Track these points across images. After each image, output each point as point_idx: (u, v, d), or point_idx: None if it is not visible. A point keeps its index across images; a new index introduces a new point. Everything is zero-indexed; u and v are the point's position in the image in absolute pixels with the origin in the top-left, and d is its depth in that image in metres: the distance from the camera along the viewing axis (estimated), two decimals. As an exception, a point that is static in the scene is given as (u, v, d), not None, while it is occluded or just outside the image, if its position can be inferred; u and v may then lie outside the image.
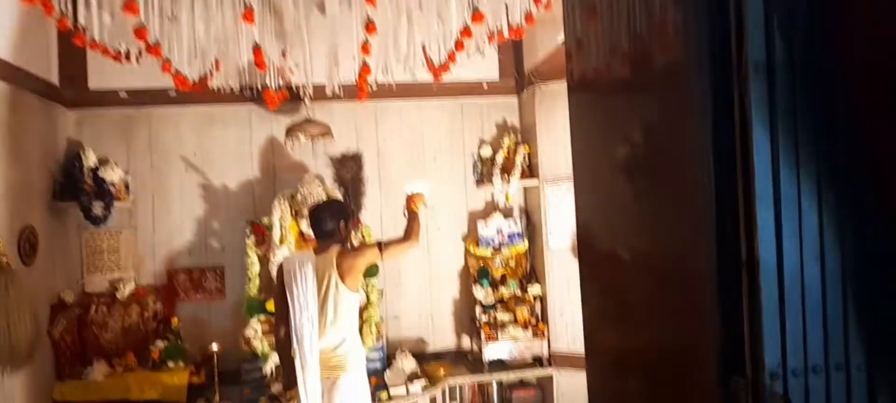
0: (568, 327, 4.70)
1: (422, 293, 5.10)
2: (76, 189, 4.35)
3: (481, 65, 4.55)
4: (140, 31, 2.95)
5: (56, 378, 4.21)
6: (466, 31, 3.14)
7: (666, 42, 1.19)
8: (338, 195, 4.66)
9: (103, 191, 4.41)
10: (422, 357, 4.82)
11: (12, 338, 3.54)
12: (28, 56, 4.01)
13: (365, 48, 3.23)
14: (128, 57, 3.44)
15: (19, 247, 3.84)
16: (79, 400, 4.15)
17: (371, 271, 4.43)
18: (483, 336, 4.64)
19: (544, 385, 4.88)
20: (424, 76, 4.10)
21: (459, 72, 4.37)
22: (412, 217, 3.45)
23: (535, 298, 4.79)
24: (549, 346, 4.70)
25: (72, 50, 4.10)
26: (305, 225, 4.39)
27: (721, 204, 1.06)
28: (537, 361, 4.74)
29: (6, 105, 3.75)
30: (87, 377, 4.19)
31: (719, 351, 1.05)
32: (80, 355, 4.41)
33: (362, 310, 4.36)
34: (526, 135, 5.07)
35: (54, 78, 4.43)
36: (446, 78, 4.10)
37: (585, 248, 1.73)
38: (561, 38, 3.98)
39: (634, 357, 1.44)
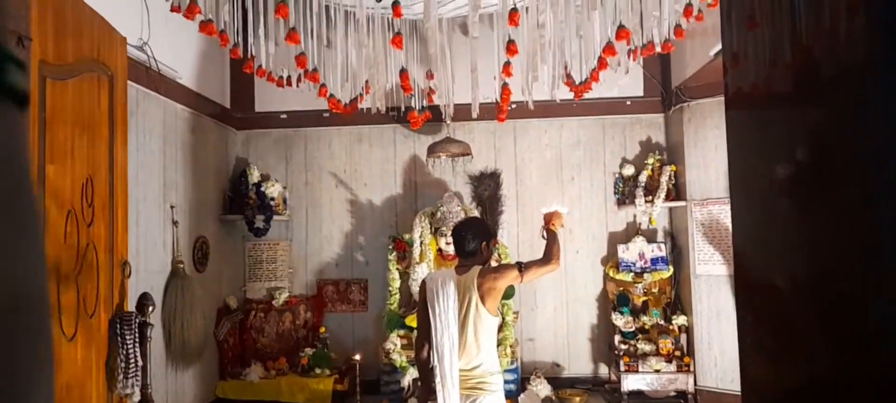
0: (717, 361, 4.36)
1: (558, 316, 4.99)
2: (242, 203, 4.79)
3: (625, 81, 4.39)
4: (301, 59, 3.19)
5: (220, 377, 4.63)
6: (610, 49, 3.05)
7: (839, 50, 1.07)
8: (475, 213, 4.71)
9: (265, 205, 4.81)
10: (556, 382, 4.70)
11: (185, 337, 3.95)
12: (207, 83, 4.51)
13: (506, 70, 3.25)
14: (289, 82, 3.74)
15: (194, 255, 4.29)
16: (238, 398, 4.53)
17: (508, 292, 4.41)
18: (622, 365, 4.44)
19: (690, 423, 4.55)
20: (565, 94, 4.04)
21: (601, 90, 4.26)
22: (552, 237, 3.34)
23: (680, 329, 4.50)
24: (695, 381, 4.38)
25: (242, 76, 4.54)
26: (444, 243, 4.47)
27: None
28: (681, 396, 4.43)
29: (188, 128, 4.23)
30: (245, 377, 4.57)
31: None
32: (240, 356, 4.82)
33: (497, 331, 4.34)
34: (672, 154, 4.81)
35: (227, 102, 4.93)
36: (587, 95, 4.01)
37: (743, 275, 1.59)
38: (713, 51, 3.75)
39: (799, 397, 1.30)
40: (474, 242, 3.31)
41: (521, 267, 3.21)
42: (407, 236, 4.69)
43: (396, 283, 4.68)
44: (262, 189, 4.86)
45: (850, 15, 1.04)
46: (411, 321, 4.41)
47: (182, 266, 4.00)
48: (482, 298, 3.16)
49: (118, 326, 1.69)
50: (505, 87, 3.33)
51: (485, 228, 3.46)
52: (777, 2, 1.30)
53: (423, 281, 3.37)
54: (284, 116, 5.09)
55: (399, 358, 4.34)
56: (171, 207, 3.96)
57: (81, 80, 1.63)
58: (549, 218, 3.41)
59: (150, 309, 1.76)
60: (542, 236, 3.45)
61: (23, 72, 0.36)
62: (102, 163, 1.71)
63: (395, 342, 4.40)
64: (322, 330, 4.88)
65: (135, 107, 3.52)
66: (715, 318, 4.38)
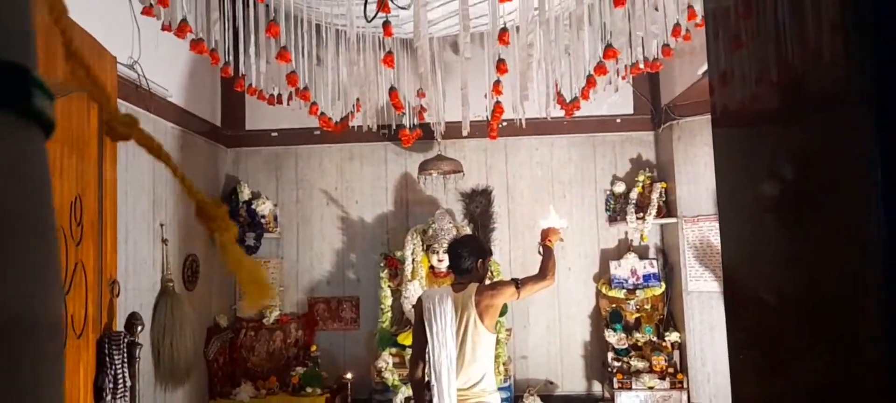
0: (710, 378, 4.36)
1: (551, 334, 4.98)
2: (233, 220, 4.76)
3: (615, 99, 4.43)
4: (292, 77, 3.20)
5: (209, 397, 4.58)
6: (600, 69, 3.08)
7: (822, 70, 1.09)
8: (467, 230, 4.71)
9: (255, 223, 4.80)
10: (550, 400, 4.69)
11: (175, 356, 3.91)
12: (197, 101, 4.51)
13: (496, 89, 3.27)
14: (280, 100, 3.74)
15: (184, 274, 4.26)
16: (228, 418, 4.48)
17: (501, 309, 4.39)
18: (615, 382, 4.43)
19: (683, 440, 4.54)
20: (555, 112, 4.07)
21: (592, 108, 4.29)
22: (548, 254, 3.34)
23: (672, 345, 4.50)
24: (689, 398, 4.37)
25: (232, 95, 4.54)
26: (436, 260, 4.47)
27: (892, 239, 0.94)
28: (675, 413, 4.42)
29: (179, 146, 4.22)
30: (235, 397, 4.52)
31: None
32: (230, 375, 4.77)
33: (490, 348, 4.32)
34: (662, 171, 4.84)
35: (217, 120, 4.93)
36: (578, 113, 4.03)
37: (732, 292, 1.60)
38: (700, 70, 3.80)
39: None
40: (470, 259, 3.30)
41: (518, 284, 3.20)
42: (399, 253, 4.68)
43: (388, 301, 4.66)
44: (253, 207, 4.85)
45: (833, 34, 1.06)
46: (404, 339, 4.38)
47: (172, 284, 3.97)
48: (480, 315, 3.14)
49: (106, 346, 1.67)
50: (496, 105, 3.35)
51: (480, 246, 3.45)
52: (762, 22, 1.33)
53: (419, 299, 3.34)
54: (275, 134, 5.09)
55: (391, 377, 4.31)
56: (161, 225, 3.94)
57: (70, 99, 1.63)
58: (545, 235, 3.40)
59: (139, 328, 1.75)
60: (539, 252, 3.44)
61: (50, 101, 0.36)
62: (91, 182, 1.70)
63: (387, 360, 4.37)
64: (313, 348, 4.85)
65: (125, 125, 3.51)
66: (708, 334, 4.39)
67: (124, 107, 3.50)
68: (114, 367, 1.66)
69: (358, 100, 4.06)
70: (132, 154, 3.63)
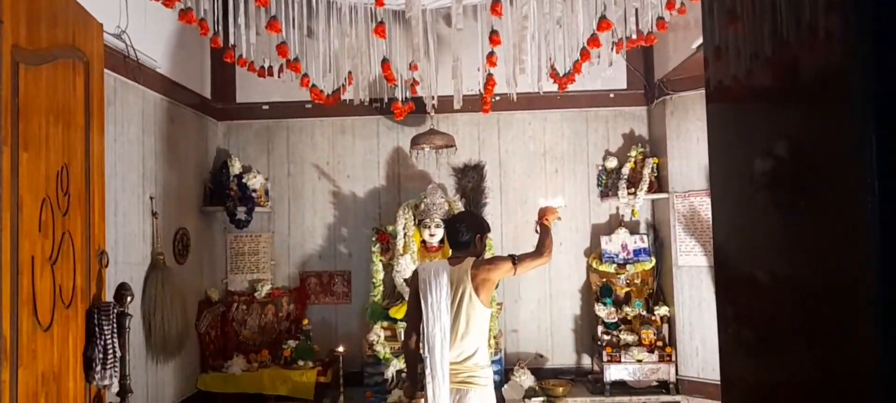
0: (698, 351, 4.41)
1: (542, 308, 5.02)
2: (223, 194, 4.74)
3: (608, 73, 4.41)
4: (282, 48, 3.15)
5: (201, 370, 4.59)
6: (594, 41, 3.05)
7: (818, 47, 1.08)
8: (459, 205, 4.70)
9: (246, 197, 4.77)
10: (540, 373, 4.73)
11: (166, 329, 3.91)
12: (186, 73, 4.45)
13: (491, 60, 3.24)
14: (271, 72, 3.70)
15: (174, 247, 4.24)
16: (220, 391, 4.50)
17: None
18: (604, 356, 4.47)
19: (671, 412, 4.61)
20: (548, 86, 4.05)
21: (585, 82, 4.27)
22: (545, 232, 3.35)
23: (662, 319, 4.55)
24: (676, 371, 4.43)
25: (222, 66, 4.49)
26: (427, 235, 4.47)
27: (887, 222, 0.94)
28: (663, 386, 4.48)
29: (168, 118, 4.17)
30: (227, 370, 4.54)
31: (882, 388, 0.92)
32: (221, 349, 4.78)
33: (481, 321, 4.34)
34: (655, 146, 4.84)
35: (207, 92, 4.87)
36: (571, 87, 4.02)
37: (723, 269, 1.61)
38: (695, 44, 3.78)
39: (778, 391, 1.31)
40: (468, 234, 3.30)
41: (515, 260, 3.21)
42: (390, 228, 4.68)
43: (380, 275, 4.66)
44: (244, 180, 4.82)
45: (828, 11, 1.05)
46: (395, 313, 4.40)
47: (162, 258, 3.95)
48: (476, 289, 3.15)
49: (96, 316, 1.66)
50: (489, 78, 3.32)
51: (479, 222, 3.45)
52: (758, -6, 1.31)
53: (415, 271, 3.34)
54: (266, 107, 5.04)
55: (383, 350, 4.34)
56: (151, 198, 3.91)
57: (56, 67, 1.59)
58: (543, 213, 3.41)
59: (129, 299, 1.73)
60: (536, 230, 3.45)
61: None
62: (78, 152, 1.67)
63: (378, 334, 4.39)
64: (305, 322, 4.86)
65: (112, 96, 3.47)
66: (696, 309, 4.43)
67: (112, 77, 3.45)
68: (103, 338, 1.65)
69: (350, 73, 4.02)
70: (120, 126, 3.59)
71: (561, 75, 3.61)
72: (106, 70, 2.79)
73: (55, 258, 1.52)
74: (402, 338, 4.06)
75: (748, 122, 1.46)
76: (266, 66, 3.69)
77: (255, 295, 4.91)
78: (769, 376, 1.36)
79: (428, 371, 3.11)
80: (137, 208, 3.77)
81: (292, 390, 4.44)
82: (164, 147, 4.11)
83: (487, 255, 3.68)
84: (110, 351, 1.64)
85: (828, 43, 1.05)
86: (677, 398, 4.43)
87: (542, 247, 3.27)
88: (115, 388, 1.72)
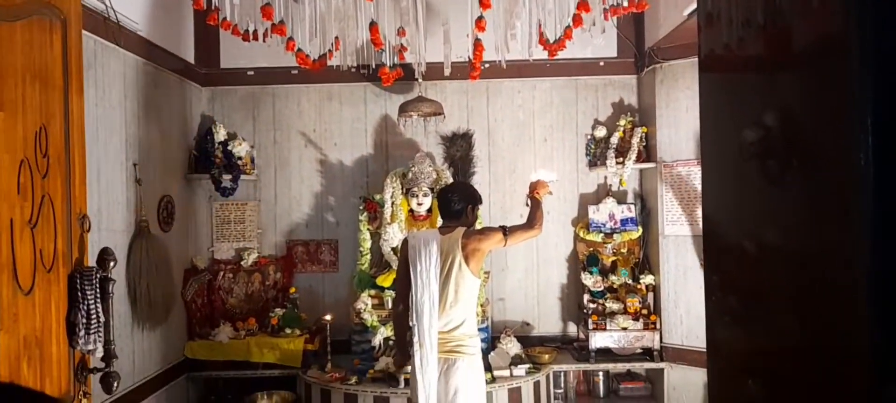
0: (683, 319, 4.46)
1: (529, 277, 5.04)
2: (208, 162, 4.67)
3: (599, 41, 4.37)
4: (267, 10, 3.08)
5: (188, 337, 4.58)
6: (584, 5, 3.01)
7: (813, 14, 1.06)
8: (447, 174, 4.68)
9: (232, 165, 4.71)
10: (526, 341, 4.77)
11: (151, 297, 3.88)
12: (168, 36, 4.35)
13: (479, 25, 3.19)
14: (256, 36, 3.62)
15: (159, 215, 4.19)
16: (207, 359, 4.50)
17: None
18: (590, 324, 4.51)
19: (654, 379, 4.68)
20: (538, 54, 4.00)
21: (575, 50, 4.23)
22: (536, 205, 3.36)
23: (647, 288, 4.59)
24: (661, 339, 4.49)
25: (206, 30, 4.39)
26: (415, 204, 4.45)
27: (881, 191, 0.93)
28: (647, 353, 4.54)
29: (151, 83, 4.09)
30: (214, 337, 4.53)
31: (872, 356, 0.93)
32: (208, 317, 4.77)
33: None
34: (644, 115, 4.83)
35: (191, 57, 4.77)
36: (561, 55, 3.97)
37: (711, 238, 1.60)
38: (687, 11, 3.74)
39: (761, 358, 1.32)
40: (460, 204, 3.30)
41: (506, 231, 3.21)
42: (378, 197, 4.65)
43: (367, 244, 4.65)
44: (229, 147, 4.75)
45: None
46: (383, 281, 4.40)
47: (146, 225, 3.91)
48: (466, 259, 3.15)
49: (78, 281, 1.63)
50: (477, 43, 3.28)
51: (471, 192, 3.44)
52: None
53: (406, 240, 3.33)
54: (251, 73, 4.96)
55: (370, 318, 4.34)
56: (134, 165, 3.85)
57: (31, 24, 1.54)
58: (534, 187, 3.41)
59: (112, 264, 1.70)
60: (526, 203, 3.46)
61: None
62: (57, 113, 1.62)
63: (366, 302, 4.39)
64: (292, 290, 4.85)
65: (93, 59, 3.38)
66: (682, 277, 4.47)
67: (92, 40, 3.36)
68: (86, 302, 1.62)
69: (336, 37, 3.94)
70: (101, 91, 3.51)
71: (551, 42, 3.56)
72: (85, 32, 2.71)
73: (35, 221, 1.48)
74: (390, 307, 4.08)
75: (739, 92, 1.44)
76: (251, 29, 3.60)
77: (242, 263, 4.89)
78: (753, 343, 1.37)
79: (416, 340, 3.11)
80: (120, 175, 3.71)
81: (280, 357, 4.45)
82: (146, 113, 4.03)
83: (477, 226, 3.69)
84: (94, 316, 1.61)
85: (823, 9, 1.03)
86: (661, 364, 4.50)
87: (534, 220, 3.28)
88: (100, 353, 1.70)
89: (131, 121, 3.84)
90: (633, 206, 4.81)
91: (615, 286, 4.69)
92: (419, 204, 4.45)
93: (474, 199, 3.38)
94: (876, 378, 0.91)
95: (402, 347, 3.37)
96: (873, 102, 0.93)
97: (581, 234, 4.86)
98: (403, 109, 4.60)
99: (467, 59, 3.86)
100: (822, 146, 1.07)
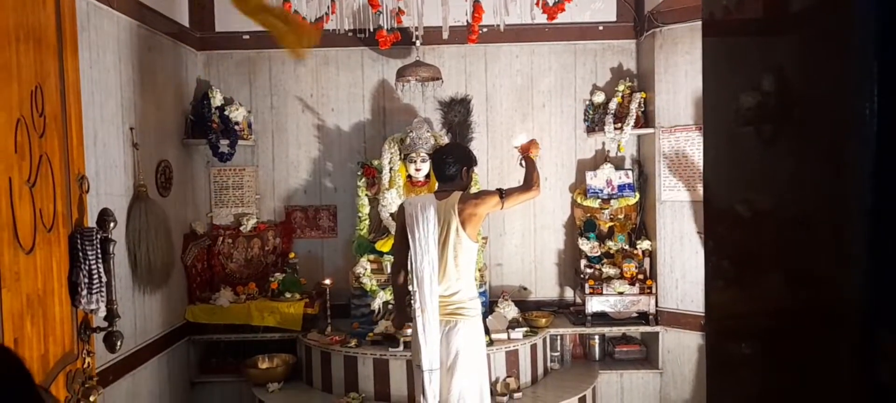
0: (678, 284, 4.51)
1: (526, 242, 5.07)
2: (205, 127, 4.65)
3: (598, 5, 4.33)
4: (261, -28, 3.03)
5: (188, 301, 4.61)
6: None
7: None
8: (445, 139, 4.67)
9: (229, 130, 4.69)
10: (523, 305, 4.82)
11: (151, 260, 3.90)
12: None
13: (478, -13, 3.15)
14: (250, -1, 3.56)
15: (157, 179, 4.19)
16: (208, 322, 4.54)
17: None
18: (587, 289, 4.55)
19: (649, 343, 4.74)
20: (537, 18, 3.96)
21: (574, 14, 4.19)
22: (531, 165, 3.33)
23: (643, 253, 4.62)
24: (656, 302, 4.54)
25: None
26: (413, 169, 4.45)
27: (882, 152, 0.93)
28: (642, 317, 4.60)
29: (145, 46, 4.05)
30: (214, 301, 4.57)
31: (863, 302, 0.95)
32: (208, 281, 4.80)
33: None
34: (643, 81, 4.81)
35: (185, 20, 4.71)
36: (560, 19, 3.93)
37: (710, 203, 1.62)
38: (687, -27, 3.69)
39: (755, 320, 1.34)
40: (455, 167, 3.28)
41: (502, 194, 3.20)
42: (376, 162, 4.64)
43: (366, 209, 4.66)
44: (226, 113, 4.73)
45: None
46: (381, 246, 4.42)
47: (144, 189, 3.90)
48: (463, 223, 3.15)
49: (79, 241, 1.64)
50: (477, 6, 3.24)
51: (466, 154, 3.42)
52: None
53: (402, 206, 3.32)
54: (247, 37, 4.91)
55: (369, 282, 4.37)
56: (131, 129, 3.83)
57: (22, -19, 1.52)
58: (526, 147, 3.40)
59: (112, 225, 1.71)
60: (521, 165, 3.44)
61: None
62: (52, 72, 1.61)
63: (365, 266, 4.42)
64: (291, 255, 4.88)
65: (86, 20, 3.34)
66: (678, 243, 4.50)
67: (84, 1, 3.32)
68: (87, 262, 1.63)
69: (333, 0, 3.89)
70: (95, 53, 3.48)
71: (550, 4, 3.53)
72: (78, -8, 2.67)
73: (34, 181, 1.48)
74: (389, 272, 4.10)
75: (737, 55, 1.44)
76: (246, -9, 3.55)
77: (241, 228, 4.90)
78: (747, 305, 1.39)
79: (417, 306, 3.13)
80: (117, 139, 3.70)
81: (280, 321, 4.49)
82: (141, 77, 4.00)
83: (473, 190, 3.70)
84: (95, 276, 1.63)
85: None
86: (656, 328, 4.55)
87: (530, 180, 3.26)
88: (103, 313, 1.72)
89: (126, 85, 3.82)
90: (630, 172, 4.82)
91: (612, 251, 4.72)
92: (417, 170, 4.45)
93: (469, 160, 3.37)
94: (869, 322, 0.93)
95: (401, 308, 3.40)
96: (881, 65, 0.93)
97: (578, 200, 4.87)
98: (401, 74, 4.57)
99: (465, 23, 3.83)
100: (818, 109, 1.07)
